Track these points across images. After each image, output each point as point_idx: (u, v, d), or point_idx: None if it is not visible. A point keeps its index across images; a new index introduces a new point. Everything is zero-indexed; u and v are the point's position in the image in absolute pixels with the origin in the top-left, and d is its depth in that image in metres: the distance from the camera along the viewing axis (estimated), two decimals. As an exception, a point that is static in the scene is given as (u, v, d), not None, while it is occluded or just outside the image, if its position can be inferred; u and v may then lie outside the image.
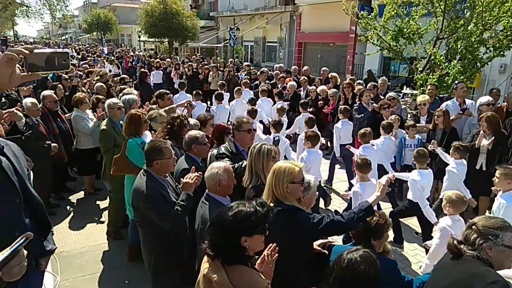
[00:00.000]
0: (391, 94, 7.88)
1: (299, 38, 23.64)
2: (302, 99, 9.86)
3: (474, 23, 7.40)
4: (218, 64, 16.54)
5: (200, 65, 16.13)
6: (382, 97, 8.14)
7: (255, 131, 4.23)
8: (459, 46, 7.61)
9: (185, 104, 6.14)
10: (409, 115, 7.52)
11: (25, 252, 1.54)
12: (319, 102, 9.07)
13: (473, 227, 2.11)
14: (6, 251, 1.47)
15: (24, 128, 5.11)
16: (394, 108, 7.30)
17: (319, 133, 6.12)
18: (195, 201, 3.12)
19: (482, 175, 5.54)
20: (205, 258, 2.14)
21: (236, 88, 9.75)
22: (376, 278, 1.94)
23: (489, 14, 7.34)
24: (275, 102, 9.04)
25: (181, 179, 3.25)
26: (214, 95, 9.01)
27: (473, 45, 7.30)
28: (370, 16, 8.79)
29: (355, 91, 8.56)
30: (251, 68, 15.45)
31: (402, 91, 11.48)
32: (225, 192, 3.02)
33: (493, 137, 5.42)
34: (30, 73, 1.67)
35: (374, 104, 7.44)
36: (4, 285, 1.51)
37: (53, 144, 5.54)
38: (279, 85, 11.23)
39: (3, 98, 6.47)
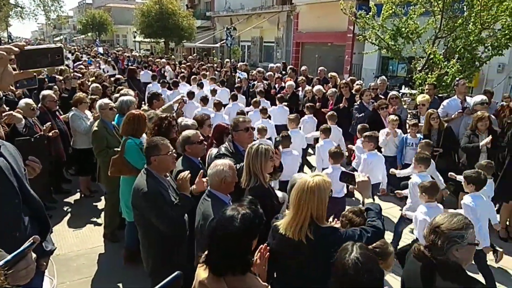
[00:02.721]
0: (394, 93, 7.86)
1: (296, 38, 23.63)
2: (301, 100, 9.90)
3: (472, 22, 7.39)
4: (215, 65, 16.49)
5: (197, 65, 16.10)
6: (382, 97, 8.15)
7: (253, 129, 4.17)
8: (457, 45, 7.58)
9: (179, 100, 6.16)
10: (409, 115, 7.49)
11: (34, 255, 1.48)
12: (317, 104, 9.00)
13: (437, 230, 2.07)
14: (12, 255, 1.40)
15: (24, 130, 5.04)
16: (395, 108, 7.30)
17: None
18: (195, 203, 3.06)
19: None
20: (201, 264, 2.08)
21: (232, 94, 9.56)
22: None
23: (487, 13, 7.33)
24: (273, 104, 8.98)
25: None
26: (213, 104, 8.69)
27: (472, 44, 7.29)
28: (368, 16, 8.75)
29: (353, 91, 8.56)
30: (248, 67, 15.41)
31: (400, 90, 11.47)
32: (228, 190, 2.97)
33: (490, 136, 5.42)
34: (22, 70, 1.61)
35: (375, 104, 7.42)
36: None
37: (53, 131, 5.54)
38: (276, 86, 11.19)
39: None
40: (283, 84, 10.98)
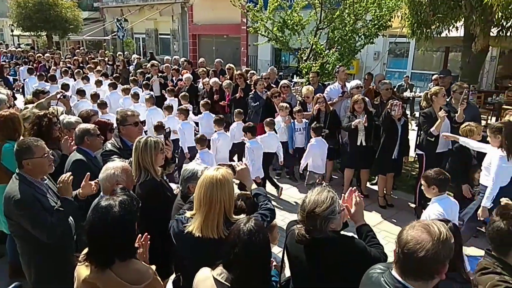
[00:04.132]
0: (284, 81, 8.30)
1: (192, 30, 23.38)
2: (200, 92, 9.91)
3: (347, 13, 8.13)
4: (107, 58, 15.52)
5: (87, 58, 14.98)
6: (274, 86, 8.58)
7: (142, 124, 4.07)
8: (335, 36, 8.29)
9: (58, 96, 5.48)
10: (297, 102, 8.01)
11: None
12: (215, 96, 9.10)
13: (313, 214, 2.19)
14: None
15: None
16: (285, 95, 7.74)
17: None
18: (85, 207, 2.86)
19: (362, 150, 6.22)
20: (81, 263, 2.01)
21: (124, 87, 9.21)
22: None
23: (359, 5, 8.13)
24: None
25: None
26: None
27: (348, 34, 8.03)
28: (256, 8, 9.05)
29: (248, 81, 8.85)
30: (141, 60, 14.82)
31: (292, 80, 12.18)
32: None
33: (365, 115, 6.09)
34: None
35: (268, 92, 7.78)
36: None
37: None
38: (173, 79, 11.00)
39: None
40: (180, 77, 10.84)
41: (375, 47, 14.57)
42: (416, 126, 7.85)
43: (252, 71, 9.93)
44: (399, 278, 1.74)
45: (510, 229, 2.02)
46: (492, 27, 6.50)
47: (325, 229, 2.21)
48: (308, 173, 6.36)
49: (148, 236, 2.33)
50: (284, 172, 7.56)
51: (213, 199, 2.31)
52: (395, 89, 11.72)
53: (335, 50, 8.28)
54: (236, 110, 7.25)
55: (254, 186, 2.80)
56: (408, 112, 9.96)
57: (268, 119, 6.45)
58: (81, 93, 8.57)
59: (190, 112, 7.71)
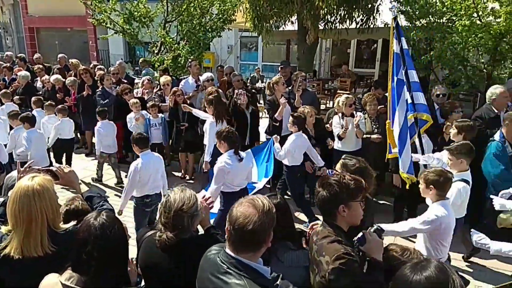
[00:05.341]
0: (147, 76, 8.02)
1: (28, 22, 20.55)
2: (40, 91, 8.78)
3: (193, 7, 8.21)
4: None
5: None
6: (125, 81, 8.16)
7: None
8: (184, 29, 8.31)
9: None
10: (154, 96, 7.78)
11: None
12: (58, 94, 8.20)
13: (181, 213, 2.21)
14: None
15: None
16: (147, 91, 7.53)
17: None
18: None
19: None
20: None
21: None
22: None
23: (203, -1, 8.32)
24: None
25: None
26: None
27: (196, 27, 8.13)
28: (98, -1, 8.46)
29: (96, 77, 8.21)
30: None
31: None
32: None
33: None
34: None
35: (118, 88, 7.37)
36: None
37: None
38: (6, 78, 9.53)
39: None
40: (14, 76, 9.43)
41: (228, 40, 15.16)
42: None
43: (99, 66, 9.24)
44: (232, 254, 1.85)
45: (331, 194, 2.29)
46: (320, 21, 7.40)
47: (191, 228, 2.22)
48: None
49: None
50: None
51: (32, 213, 2.00)
52: (248, 81, 12.50)
53: (185, 43, 8.30)
54: (47, 103, 6.97)
55: (84, 188, 2.62)
56: (262, 101, 10.65)
57: None
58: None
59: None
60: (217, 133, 4.24)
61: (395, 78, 4.57)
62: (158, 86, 7.51)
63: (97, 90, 7.44)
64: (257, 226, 1.76)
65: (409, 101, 4.53)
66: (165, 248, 2.20)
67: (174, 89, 6.85)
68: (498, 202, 3.41)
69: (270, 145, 5.45)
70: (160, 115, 6.81)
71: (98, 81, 7.70)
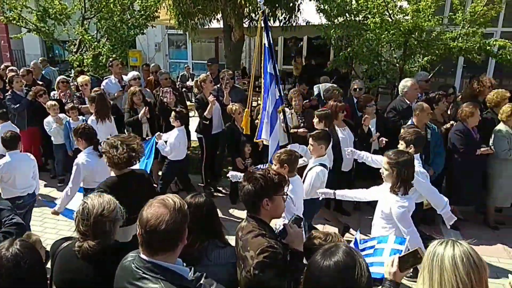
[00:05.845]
0: (62, 77, 7.55)
1: None
2: None
3: (112, 3, 7.83)
4: None
5: None
6: (40, 83, 7.57)
7: None
8: (103, 26, 7.90)
9: None
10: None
11: None
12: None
13: (101, 217, 2.15)
14: None
15: None
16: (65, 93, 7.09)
17: None
18: None
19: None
20: None
21: None
22: None
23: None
24: None
25: None
26: None
27: (116, 24, 7.77)
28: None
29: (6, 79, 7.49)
30: None
31: (71, 74, 11.05)
32: None
33: (146, 107, 6.06)
34: None
35: (31, 92, 6.81)
36: None
37: None
38: None
39: None
40: None
41: (155, 38, 14.70)
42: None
43: (11, 67, 8.45)
44: (147, 258, 1.79)
45: (256, 188, 2.32)
46: (245, 19, 7.44)
47: (113, 234, 2.13)
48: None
49: None
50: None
51: None
52: (178, 79, 12.26)
53: (106, 41, 7.90)
54: None
55: None
56: (193, 100, 10.47)
57: None
58: None
59: None
60: (74, 130, 4.22)
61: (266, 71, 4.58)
62: (76, 87, 7.07)
63: (7, 94, 6.80)
64: (170, 225, 1.74)
65: (277, 94, 4.64)
66: (86, 258, 2.08)
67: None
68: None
69: (152, 143, 5.49)
70: (80, 117, 6.41)
71: (7, 84, 7.04)
